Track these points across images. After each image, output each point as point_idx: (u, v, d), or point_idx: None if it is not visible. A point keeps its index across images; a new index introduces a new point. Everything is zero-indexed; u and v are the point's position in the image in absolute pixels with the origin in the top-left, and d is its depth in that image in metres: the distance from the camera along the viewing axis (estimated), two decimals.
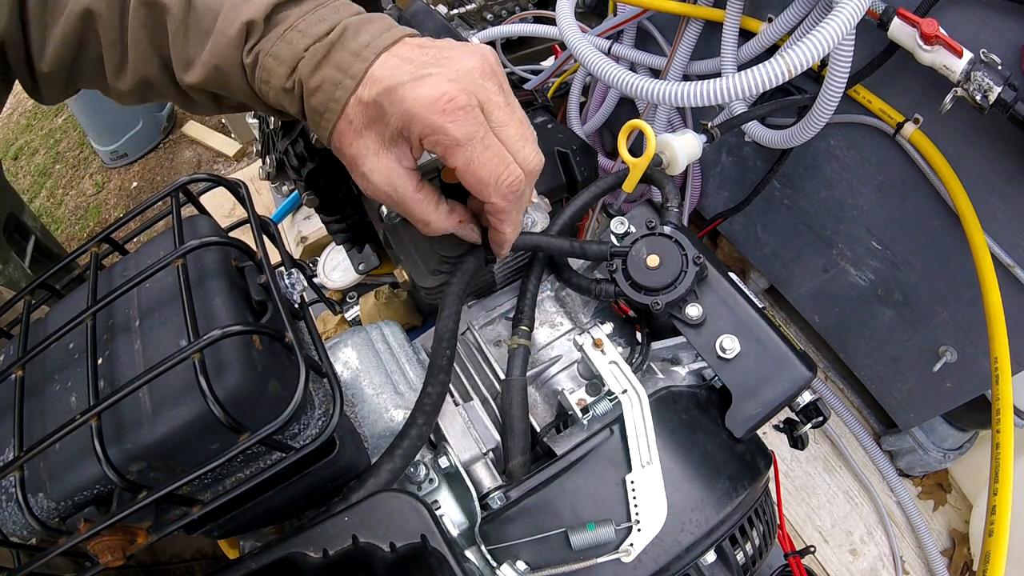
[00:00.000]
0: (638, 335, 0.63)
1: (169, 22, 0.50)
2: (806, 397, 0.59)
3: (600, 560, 0.48)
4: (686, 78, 1.07)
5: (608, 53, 1.14)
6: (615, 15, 1.14)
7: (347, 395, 0.55)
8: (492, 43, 1.37)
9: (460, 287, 0.58)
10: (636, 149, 0.66)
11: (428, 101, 0.45)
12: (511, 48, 1.44)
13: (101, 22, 0.51)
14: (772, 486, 0.68)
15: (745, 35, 0.95)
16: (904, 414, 1.16)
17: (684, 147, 0.69)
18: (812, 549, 0.78)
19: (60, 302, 0.47)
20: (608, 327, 0.57)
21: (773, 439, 1.24)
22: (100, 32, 0.52)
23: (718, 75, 0.87)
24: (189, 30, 0.50)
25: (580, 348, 0.56)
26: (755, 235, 1.25)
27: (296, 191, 1.32)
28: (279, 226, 1.32)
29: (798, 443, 0.63)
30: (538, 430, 0.58)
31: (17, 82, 0.58)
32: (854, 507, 1.26)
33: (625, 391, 0.53)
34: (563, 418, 0.59)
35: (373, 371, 0.57)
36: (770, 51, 0.93)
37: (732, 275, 0.60)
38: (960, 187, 0.81)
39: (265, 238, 0.46)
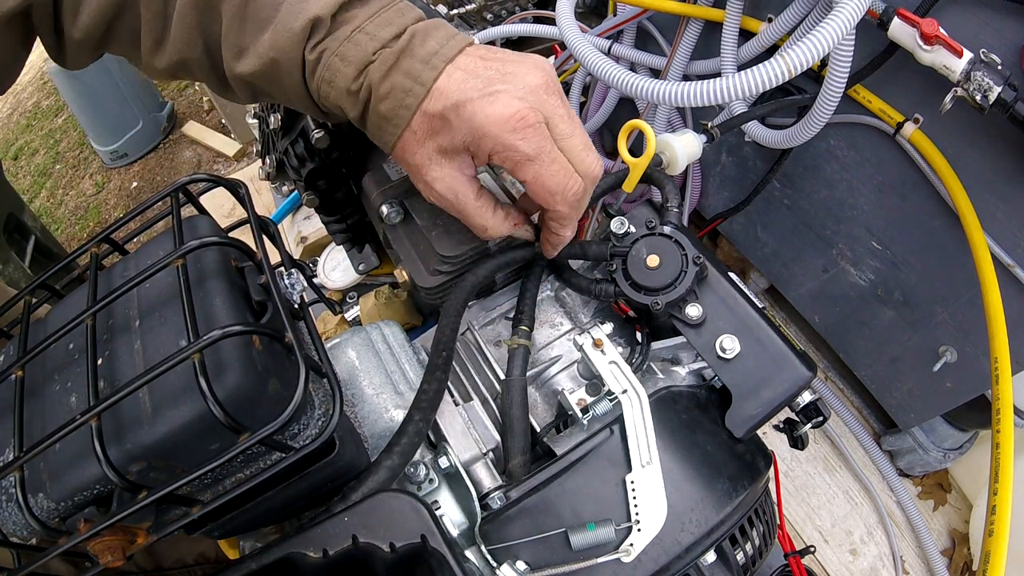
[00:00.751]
0: (638, 335, 0.63)
1: (224, 8, 0.49)
2: (806, 397, 0.59)
3: (600, 560, 0.48)
4: (686, 78, 1.07)
5: (608, 53, 1.14)
6: (615, 15, 1.14)
7: (347, 395, 0.55)
8: (492, 43, 1.37)
9: (461, 298, 0.58)
10: (636, 149, 0.66)
11: (499, 119, 0.46)
12: (511, 48, 1.44)
13: None
14: (772, 486, 0.68)
15: (745, 35, 0.95)
16: (904, 414, 1.16)
17: (684, 147, 0.69)
18: (812, 549, 0.78)
19: (60, 302, 0.47)
20: (608, 327, 0.57)
21: (773, 439, 1.24)
22: (141, 5, 0.51)
23: (718, 75, 0.87)
24: (246, 19, 0.49)
25: (580, 348, 0.56)
26: (755, 235, 1.25)
27: (296, 191, 1.32)
28: (279, 226, 1.32)
29: (798, 443, 0.63)
30: (538, 430, 0.58)
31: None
32: (854, 507, 1.26)
33: (625, 391, 0.53)
34: (563, 418, 0.59)
35: (373, 371, 0.57)
36: (770, 51, 0.93)
37: (732, 275, 0.60)
38: (960, 187, 0.81)
39: (265, 238, 0.46)
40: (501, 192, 0.64)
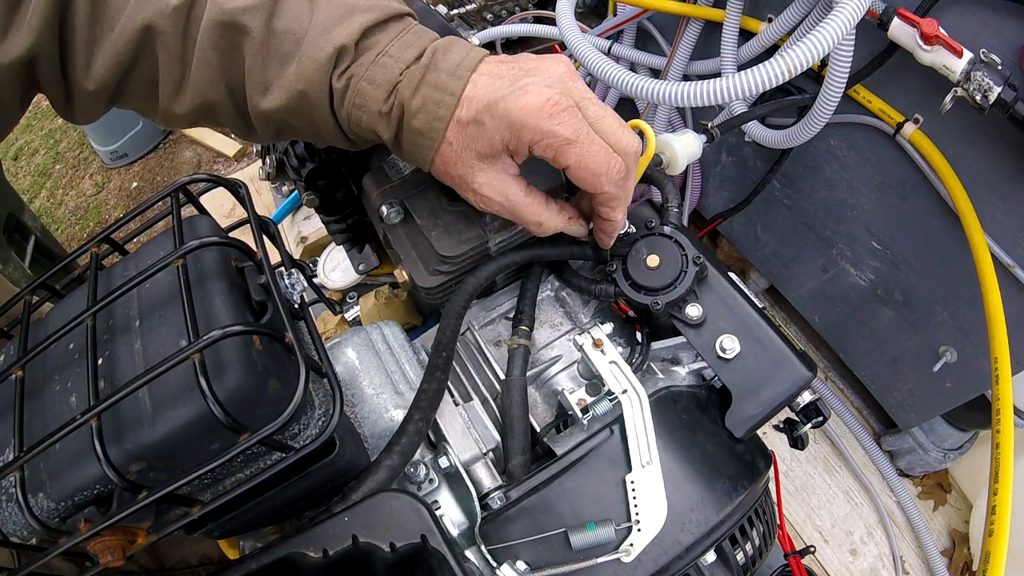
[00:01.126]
0: (638, 335, 0.63)
1: (247, 45, 0.48)
2: (806, 397, 0.59)
3: (600, 560, 0.48)
4: (686, 78, 1.07)
5: (608, 53, 1.14)
6: (615, 15, 1.14)
7: (347, 395, 0.55)
8: (492, 43, 1.37)
9: (462, 300, 0.58)
10: None
11: (534, 108, 0.47)
12: (511, 48, 1.44)
13: (162, 40, 0.48)
14: (772, 486, 0.68)
15: (745, 35, 0.95)
16: (904, 414, 1.16)
17: (684, 147, 0.69)
18: (812, 549, 0.78)
19: (60, 302, 0.47)
20: (608, 327, 0.57)
21: (773, 439, 1.24)
22: (159, 50, 0.49)
23: (718, 75, 0.87)
24: (269, 55, 0.49)
25: (580, 348, 0.56)
26: (755, 235, 1.25)
27: (296, 191, 1.32)
28: (279, 226, 1.32)
29: (798, 443, 0.63)
30: (538, 430, 0.58)
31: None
32: (854, 507, 1.26)
33: (625, 391, 0.53)
34: (563, 418, 0.59)
35: (373, 371, 0.57)
36: (770, 51, 0.93)
37: (732, 275, 0.60)
38: (960, 187, 0.81)
39: (265, 238, 0.46)
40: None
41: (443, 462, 0.52)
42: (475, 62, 0.49)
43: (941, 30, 0.70)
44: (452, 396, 0.56)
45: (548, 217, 0.54)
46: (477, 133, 0.49)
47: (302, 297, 0.47)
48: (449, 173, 0.52)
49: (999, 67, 0.68)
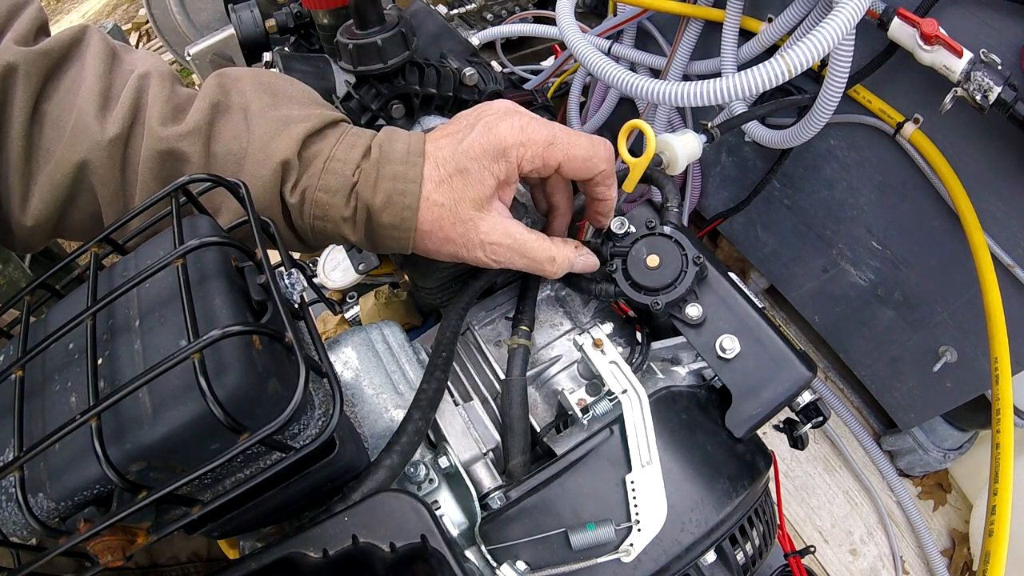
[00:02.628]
0: (638, 335, 0.63)
1: (188, 171, 0.48)
2: (806, 397, 0.59)
3: (600, 560, 0.48)
4: (686, 78, 1.07)
5: (608, 53, 1.14)
6: (615, 15, 1.14)
7: (347, 395, 0.55)
8: (492, 43, 1.37)
9: (464, 302, 0.59)
10: (636, 149, 0.66)
11: (509, 132, 0.49)
12: (511, 48, 1.44)
13: (99, 175, 0.48)
14: (772, 486, 0.68)
15: (745, 35, 0.95)
16: (904, 414, 1.16)
17: (684, 147, 0.69)
18: (812, 549, 0.78)
19: (60, 302, 0.47)
20: (608, 327, 0.57)
21: (773, 439, 1.24)
22: (97, 185, 0.48)
23: (718, 75, 0.87)
24: None
25: (580, 348, 0.56)
26: (755, 235, 1.25)
27: None
28: None
29: (798, 443, 0.63)
30: (538, 430, 0.58)
31: None
32: (854, 507, 1.26)
33: (625, 391, 0.53)
34: (563, 418, 0.59)
35: (373, 371, 0.57)
36: (770, 51, 0.93)
37: (732, 275, 0.60)
38: (960, 187, 0.81)
39: (265, 238, 0.46)
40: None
41: (443, 462, 0.52)
42: (421, 143, 0.50)
43: (941, 30, 0.70)
44: (452, 396, 0.56)
45: (558, 249, 0.54)
46: (465, 181, 0.49)
47: (302, 297, 0.47)
48: (449, 237, 0.51)
49: (999, 67, 0.68)
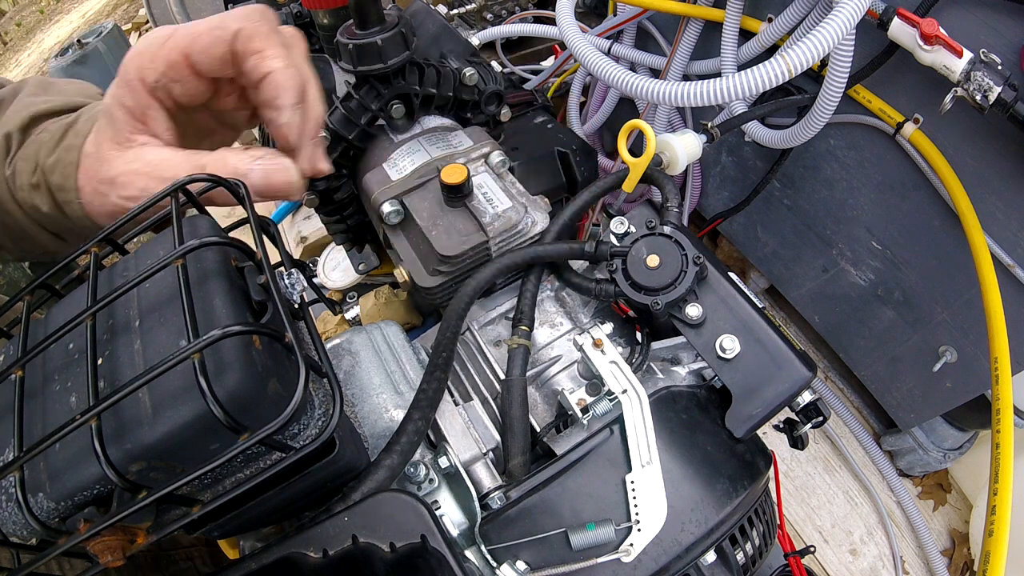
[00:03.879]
0: (638, 335, 0.63)
1: None
2: (806, 397, 0.59)
3: (600, 560, 0.48)
4: (686, 78, 1.07)
5: (608, 53, 1.14)
6: (615, 15, 1.14)
7: (347, 395, 0.55)
8: (492, 43, 1.37)
9: (463, 303, 0.58)
10: (636, 149, 0.66)
11: (130, 52, 0.44)
12: (511, 48, 1.44)
13: None
14: (772, 486, 0.68)
15: (745, 35, 0.95)
16: (904, 414, 1.16)
17: (684, 147, 0.69)
18: (812, 549, 0.78)
19: (60, 302, 0.47)
20: (608, 327, 0.57)
21: (773, 439, 1.24)
22: None
23: (718, 75, 0.87)
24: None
25: (580, 348, 0.56)
26: (755, 235, 1.25)
27: None
28: (279, 226, 1.32)
29: (798, 443, 0.63)
30: (538, 430, 0.58)
31: None
32: (854, 507, 1.26)
33: (625, 391, 0.53)
34: (563, 418, 0.59)
35: (373, 371, 0.57)
36: (770, 51, 0.93)
37: (732, 275, 0.60)
38: (960, 187, 0.81)
39: (265, 238, 0.46)
40: (502, 193, 0.63)
41: (443, 462, 0.52)
42: (89, 124, 0.48)
43: (941, 30, 0.70)
44: (452, 396, 0.56)
45: (213, 160, 0.46)
46: (106, 121, 0.46)
47: (302, 297, 0.47)
48: (97, 190, 0.47)
49: (999, 67, 0.68)
